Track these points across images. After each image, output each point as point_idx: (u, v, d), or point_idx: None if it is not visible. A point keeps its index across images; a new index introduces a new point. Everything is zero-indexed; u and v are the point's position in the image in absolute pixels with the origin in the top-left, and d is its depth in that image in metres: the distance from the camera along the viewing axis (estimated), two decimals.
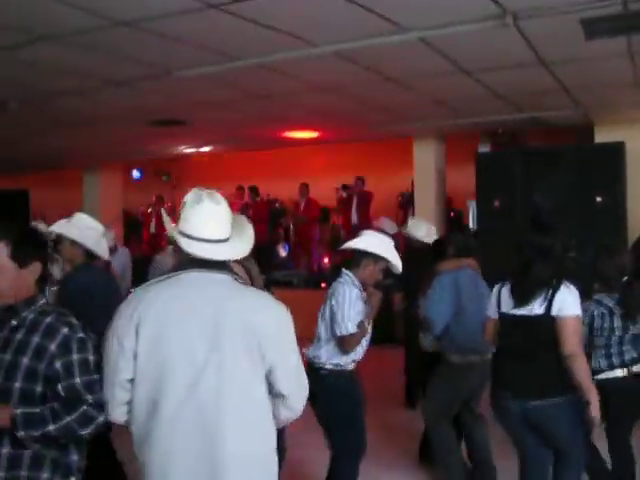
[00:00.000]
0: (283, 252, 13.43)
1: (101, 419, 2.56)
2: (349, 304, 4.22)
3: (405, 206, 13.03)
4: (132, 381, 2.48)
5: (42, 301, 2.69)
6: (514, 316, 3.93)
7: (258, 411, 2.50)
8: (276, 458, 2.59)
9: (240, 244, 2.65)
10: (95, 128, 9.68)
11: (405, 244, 7.17)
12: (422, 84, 7.29)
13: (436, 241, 5.95)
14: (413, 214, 11.55)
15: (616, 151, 9.29)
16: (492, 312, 4.13)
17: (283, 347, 2.55)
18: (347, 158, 13.90)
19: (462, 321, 4.86)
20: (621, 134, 9.52)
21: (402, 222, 12.73)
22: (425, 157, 11.33)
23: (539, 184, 9.43)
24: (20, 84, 6.94)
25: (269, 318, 2.53)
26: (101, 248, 4.78)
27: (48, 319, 2.61)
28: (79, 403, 2.54)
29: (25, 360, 2.52)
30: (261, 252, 13.73)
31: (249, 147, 12.81)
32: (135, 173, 16.42)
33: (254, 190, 14.65)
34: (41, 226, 7.10)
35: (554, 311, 3.80)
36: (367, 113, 9.03)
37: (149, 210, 15.61)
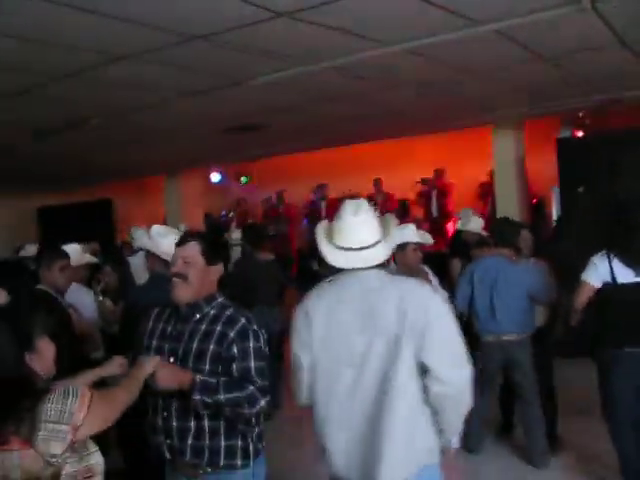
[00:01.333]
0: None
1: (263, 403, 2.94)
2: None
3: (485, 196, 12.82)
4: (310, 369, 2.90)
5: (221, 299, 3.13)
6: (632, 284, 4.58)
7: (414, 400, 2.77)
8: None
9: (383, 247, 2.90)
10: (173, 137, 9.87)
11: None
12: (499, 74, 7.13)
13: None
14: (494, 204, 11.37)
15: None
16: (596, 281, 4.70)
17: (434, 325, 2.76)
18: (424, 150, 13.75)
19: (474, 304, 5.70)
20: None
21: (483, 213, 12.60)
22: (504, 145, 11.07)
23: (624, 169, 9.12)
24: (101, 101, 7.14)
25: (420, 302, 2.81)
26: None
27: (228, 312, 3.06)
28: (248, 384, 2.91)
29: (211, 346, 2.96)
30: None
31: (327, 146, 12.83)
32: (215, 176, 16.65)
33: (322, 188, 14.73)
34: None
35: None
36: (443, 107, 8.93)
37: (230, 214, 15.80)
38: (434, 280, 5.85)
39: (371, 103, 8.20)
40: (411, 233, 5.62)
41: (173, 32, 4.90)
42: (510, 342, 5.57)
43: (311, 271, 10.49)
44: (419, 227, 6.20)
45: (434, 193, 13.16)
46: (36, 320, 2.48)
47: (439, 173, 13.26)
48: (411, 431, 2.76)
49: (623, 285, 4.63)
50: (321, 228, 3.04)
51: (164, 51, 5.35)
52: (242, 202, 15.89)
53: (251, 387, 2.90)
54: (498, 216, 10.34)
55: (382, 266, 2.91)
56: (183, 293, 3.03)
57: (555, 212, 11.00)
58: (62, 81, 6.10)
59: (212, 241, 3.18)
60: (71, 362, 2.80)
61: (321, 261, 9.45)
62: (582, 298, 4.80)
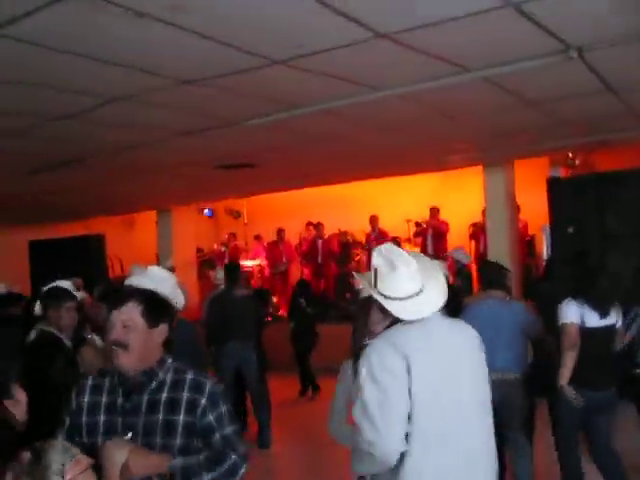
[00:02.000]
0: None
1: (244, 469, 2.75)
2: None
3: (477, 236, 12.91)
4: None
5: (171, 361, 2.84)
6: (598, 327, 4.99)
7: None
8: None
9: (437, 292, 2.93)
10: (166, 175, 9.93)
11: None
12: (488, 118, 7.25)
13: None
14: (485, 243, 11.46)
15: None
16: (577, 320, 5.00)
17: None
18: (416, 189, 13.89)
19: None
20: None
21: (475, 252, 12.70)
22: (495, 184, 11.19)
23: (612, 209, 9.25)
24: (95, 141, 7.20)
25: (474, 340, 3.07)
26: (178, 298, 4.92)
27: (190, 376, 2.78)
28: (230, 453, 2.71)
29: (181, 417, 2.68)
30: (338, 283, 13.75)
31: (319, 184, 12.93)
32: (206, 211, 16.78)
33: (318, 227, 14.78)
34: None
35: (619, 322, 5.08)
36: (431, 148, 9.04)
37: (222, 249, 15.85)
38: None
39: (362, 144, 8.29)
40: None
41: (166, 77, 4.98)
42: (509, 381, 5.61)
43: (300, 308, 10.58)
44: None
45: (430, 233, 13.23)
46: (10, 367, 2.49)
47: (434, 212, 13.34)
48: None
49: (590, 329, 5.00)
50: (368, 283, 2.99)
51: (158, 93, 5.41)
52: (233, 238, 15.94)
53: (233, 456, 2.71)
54: (490, 256, 10.45)
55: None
56: (127, 362, 2.72)
57: (546, 251, 11.09)
58: (58, 122, 6.17)
59: (153, 299, 2.89)
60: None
61: (310, 300, 9.74)
62: (572, 338, 5.04)
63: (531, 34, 4.46)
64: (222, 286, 8.55)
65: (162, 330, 2.84)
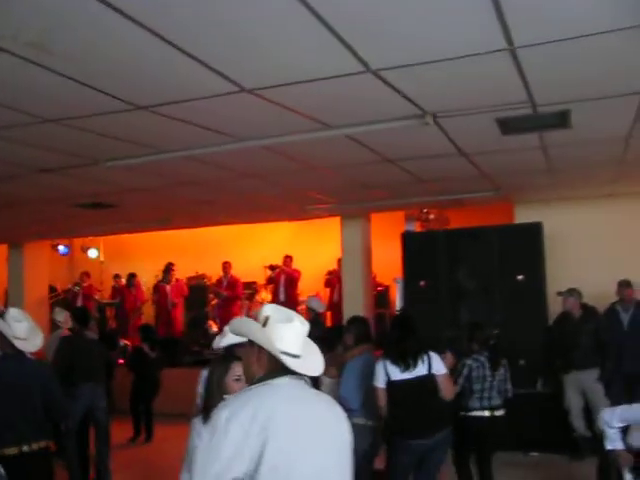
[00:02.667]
0: (215, 327, 13.29)
1: None
2: None
3: (332, 284, 13.15)
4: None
5: None
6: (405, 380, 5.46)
7: None
8: None
9: (317, 358, 2.91)
10: (21, 210, 9.57)
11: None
12: (348, 172, 7.49)
13: (337, 327, 6.98)
14: (340, 291, 11.70)
15: (534, 231, 9.65)
16: (382, 383, 5.51)
17: None
18: (274, 235, 14.04)
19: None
20: (539, 214, 9.93)
21: (329, 300, 12.93)
22: (352, 235, 11.51)
23: (462, 264, 9.71)
24: None
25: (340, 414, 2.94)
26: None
27: None
28: None
29: None
30: (194, 327, 13.53)
31: (179, 227, 12.84)
32: (61, 248, 16.19)
33: (167, 269, 14.55)
34: None
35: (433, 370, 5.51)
36: (293, 197, 9.20)
37: (75, 288, 15.31)
38: None
39: (224, 190, 8.35)
40: None
41: (27, 113, 4.84)
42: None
43: (142, 354, 10.35)
44: None
45: (282, 279, 13.36)
46: None
47: (287, 260, 13.51)
48: None
49: (394, 382, 5.51)
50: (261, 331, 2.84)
51: (18, 129, 5.25)
52: (86, 276, 15.46)
53: None
54: (345, 304, 10.70)
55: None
56: None
57: (398, 302, 11.45)
58: None
59: None
60: None
61: (155, 345, 9.60)
62: (380, 401, 5.58)
63: (390, 98, 4.68)
64: (62, 328, 8.40)
65: None
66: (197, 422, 3.50)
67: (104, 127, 5.26)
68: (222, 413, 2.59)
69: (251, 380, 2.81)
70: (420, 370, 5.50)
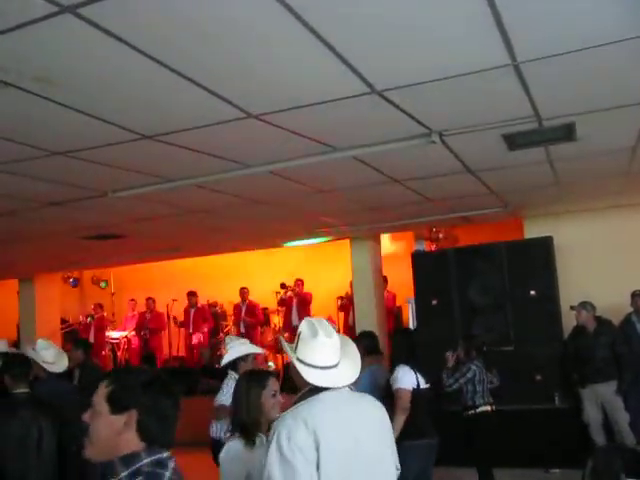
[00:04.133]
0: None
1: None
2: None
3: (346, 308, 13.13)
4: None
5: (147, 460, 2.24)
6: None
7: None
8: None
9: (352, 368, 3.08)
10: (31, 243, 9.60)
11: None
12: (356, 194, 7.49)
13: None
14: (353, 315, 11.67)
15: (545, 245, 9.62)
16: (410, 386, 6.00)
17: None
18: (286, 260, 14.03)
19: None
20: (548, 228, 9.92)
21: (344, 324, 12.90)
22: (362, 257, 11.51)
23: (474, 281, 9.68)
24: None
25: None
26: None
27: None
28: None
29: None
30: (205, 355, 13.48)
31: (190, 255, 12.86)
32: (71, 281, 16.25)
33: (192, 295, 14.57)
34: None
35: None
36: (302, 221, 9.21)
37: (88, 320, 15.32)
38: None
39: (232, 217, 8.36)
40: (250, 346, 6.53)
41: (34, 146, 4.87)
42: None
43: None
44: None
45: (295, 302, 13.35)
46: None
47: (298, 283, 13.50)
48: None
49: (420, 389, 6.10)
50: (289, 347, 3.11)
51: (26, 163, 5.28)
52: (99, 309, 15.47)
53: None
54: (358, 327, 10.67)
55: None
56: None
57: (411, 322, 11.40)
58: None
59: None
60: None
61: None
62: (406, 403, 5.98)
63: (396, 118, 4.69)
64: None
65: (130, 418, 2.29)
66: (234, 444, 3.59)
67: (111, 158, 5.28)
68: (279, 434, 2.81)
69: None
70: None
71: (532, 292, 9.45)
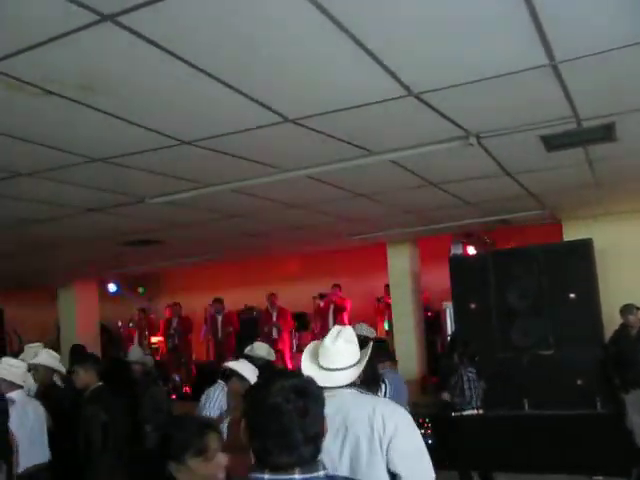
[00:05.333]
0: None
1: None
2: None
3: (382, 311, 13.10)
4: None
5: None
6: None
7: None
8: None
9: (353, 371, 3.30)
10: (68, 249, 9.73)
11: None
12: (393, 197, 7.48)
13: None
14: (390, 318, 11.63)
15: (584, 247, 9.49)
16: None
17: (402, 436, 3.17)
18: (322, 264, 14.03)
19: None
20: (588, 230, 9.79)
21: (380, 327, 12.87)
22: (399, 261, 11.49)
23: (512, 285, 9.59)
24: None
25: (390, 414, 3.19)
26: None
27: None
28: None
29: None
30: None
31: (227, 260, 12.94)
32: (111, 287, 16.40)
33: (219, 301, 14.58)
34: None
35: None
36: (339, 225, 9.21)
37: (130, 324, 15.48)
38: None
39: (271, 221, 8.40)
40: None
41: (76, 154, 4.94)
42: None
43: None
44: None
45: (331, 308, 13.34)
46: None
47: (335, 289, 13.49)
48: None
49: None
50: (307, 348, 3.43)
51: (67, 170, 5.36)
52: (142, 313, 15.63)
53: None
54: (396, 332, 10.63)
55: (353, 385, 3.29)
56: None
57: (449, 326, 11.34)
58: None
59: None
60: None
61: None
62: None
63: (433, 121, 4.67)
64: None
65: None
66: None
67: (150, 164, 5.34)
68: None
69: None
70: None
71: (571, 295, 9.32)
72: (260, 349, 8.69)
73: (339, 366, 3.26)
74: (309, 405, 2.12)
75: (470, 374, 7.79)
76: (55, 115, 4.07)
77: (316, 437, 2.14)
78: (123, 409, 6.18)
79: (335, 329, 3.38)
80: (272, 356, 8.20)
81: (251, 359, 8.41)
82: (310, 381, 2.25)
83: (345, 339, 3.31)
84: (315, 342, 3.46)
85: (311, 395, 2.16)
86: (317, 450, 2.14)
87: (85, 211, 7.01)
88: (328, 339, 3.31)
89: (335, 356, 3.27)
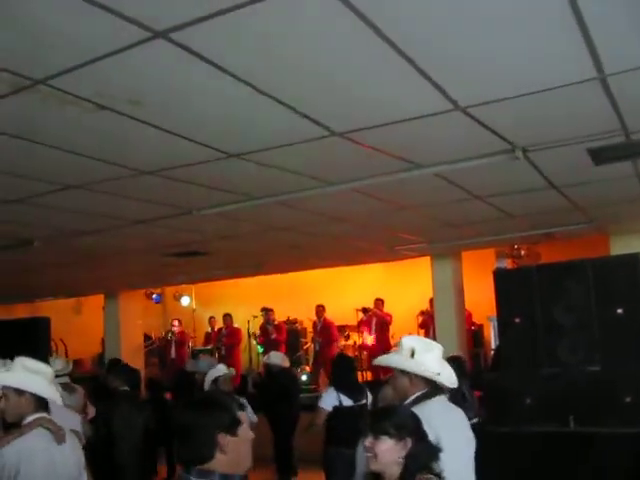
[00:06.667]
0: (303, 376, 13.31)
1: None
2: None
3: (426, 324, 13.04)
4: None
5: None
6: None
7: None
8: None
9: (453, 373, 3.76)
10: (116, 261, 9.89)
11: None
12: (437, 210, 7.48)
13: None
14: (434, 332, 11.57)
15: (632, 262, 9.31)
16: (330, 406, 6.92)
17: None
18: (365, 277, 14.03)
19: None
20: (636, 244, 9.63)
21: None
22: (443, 274, 11.42)
23: (558, 299, 9.46)
24: (47, 225, 7.16)
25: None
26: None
27: None
28: None
29: None
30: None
31: (271, 272, 13.01)
32: (154, 296, 16.63)
33: (266, 312, 14.68)
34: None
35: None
36: (383, 239, 9.21)
37: (169, 336, 15.63)
38: None
39: (314, 234, 8.44)
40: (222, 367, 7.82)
41: (124, 166, 5.03)
42: None
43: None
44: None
45: (374, 321, 13.32)
46: None
47: (378, 303, 13.47)
48: None
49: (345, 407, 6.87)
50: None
51: (114, 182, 5.46)
52: (178, 323, 15.78)
53: None
54: (439, 343, 10.52)
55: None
56: None
57: (493, 340, 11.23)
58: (9, 205, 6.14)
59: None
60: None
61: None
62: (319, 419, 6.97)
63: (479, 134, 4.65)
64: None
65: None
66: None
67: (197, 176, 5.41)
68: None
69: (405, 399, 3.64)
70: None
71: (619, 310, 9.15)
72: (275, 357, 9.56)
73: None
74: None
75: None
76: (106, 129, 4.15)
77: None
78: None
79: (428, 343, 3.85)
80: (286, 363, 9.36)
81: (268, 367, 9.66)
82: None
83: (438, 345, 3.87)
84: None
85: None
86: None
87: (133, 223, 7.12)
88: (437, 350, 3.75)
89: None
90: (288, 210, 6.82)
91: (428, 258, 11.54)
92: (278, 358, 9.74)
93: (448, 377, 3.67)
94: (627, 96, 4.11)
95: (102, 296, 15.19)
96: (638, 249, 9.42)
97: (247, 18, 2.80)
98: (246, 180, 5.63)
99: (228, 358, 14.61)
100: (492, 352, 11.08)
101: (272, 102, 3.79)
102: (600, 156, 5.46)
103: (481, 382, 9.46)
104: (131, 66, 3.24)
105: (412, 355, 3.63)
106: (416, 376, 3.62)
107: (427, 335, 12.79)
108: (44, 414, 4.00)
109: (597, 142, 5.07)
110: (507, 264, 11.71)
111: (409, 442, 3.03)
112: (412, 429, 3.10)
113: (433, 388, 3.62)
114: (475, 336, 12.58)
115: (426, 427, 3.14)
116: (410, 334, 11.71)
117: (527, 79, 3.73)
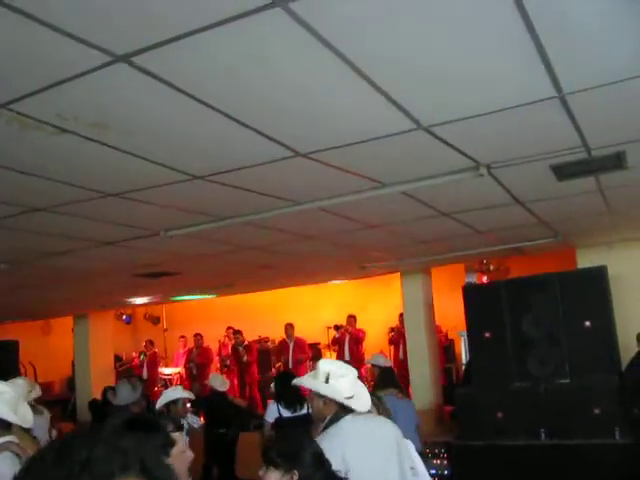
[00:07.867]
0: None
1: None
2: None
3: (396, 341, 13.06)
4: None
5: None
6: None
7: None
8: None
9: (365, 397, 3.97)
10: (85, 282, 9.80)
11: None
12: (405, 228, 7.51)
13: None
14: (404, 348, 11.60)
15: (599, 275, 9.44)
16: (272, 417, 7.53)
17: None
18: (335, 294, 14.05)
19: None
20: (602, 257, 9.76)
21: (395, 358, 12.84)
22: (413, 290, 11.48)
23: (527, 313, 9.54)
24: (13, 248, 7.09)
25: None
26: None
27: None
28: None
29: None
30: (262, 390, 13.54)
31: (240, 292, 12.98)
32: (125, 317, 16.52)
33: (237, 334, 14.60)
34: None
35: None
36: (352, 257, 9.24)
37: (141, 357, 15.50)
38: None
39: (282, 253, 8.45)
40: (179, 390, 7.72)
41: (89, 188, 5.00)
42: None
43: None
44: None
45: (347, 339, 13.33)
46: None
47: (351, 320, 13.49)
48: None
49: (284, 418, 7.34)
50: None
51: (83, 204, 5.42)
52: (150, 345, 15.66)
53: None
54: (410, 361, 10.58)
55: None
56: None
57: (464, 355, 11.29)
58: None
59: None
60: None
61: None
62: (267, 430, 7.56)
63: (443, 153, 4.69)
64: None
65: None
66: None
67: (164, 198, 5.39)
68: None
69: (322, 418, 3.88)
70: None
71: (587, 323, 9.27)
72: (214, 380, 9.78)
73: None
74: None
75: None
76: (69, 152, 4.13)
77: None
78: None
79: (343, 368, 3.98)
80: (224, 387, 9.55)
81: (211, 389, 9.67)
82: None
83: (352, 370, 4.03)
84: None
85: None
86: None
87: (101, 244, 7.07)
88: (351, 375, 3.93)
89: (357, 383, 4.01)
90: (256, 230, 6.83)
91: (398, 274, 11.59)
92: (217, 381, 9.90)
93: (359, 401, 3.86)
94: (587, 114, 4.17)
95: (70, 318, 15.04)
96: (605, 262, 9.55)
97: (206, 42, 2.81)
98: (212, 201, 5.63)
99: (200, 377, 14.56)
100: (463, 367, 11.12)
101: (237, 125, 3.80)
102: (562, 172, 5.54)
103: (453, 397, 9.51)
104: (94, 90, 3.22)
105: (327, 380, 3.83)
106: (330, 399, 3.84)
107: (397, 352, 12.87)
108: (11, 437, 3.94)
109: (559, 158, 5.15)
110: (476, 279, 11.79)
111: (296, 475, 2.88)
112: (304, 460, 2.92)
113: (342, 409, 3.83)
114: (447, 351, 12.62)
115: (335, 450, 3.36)
116: (381, 351, 11.84)
117: (486, 99, 3.78)
